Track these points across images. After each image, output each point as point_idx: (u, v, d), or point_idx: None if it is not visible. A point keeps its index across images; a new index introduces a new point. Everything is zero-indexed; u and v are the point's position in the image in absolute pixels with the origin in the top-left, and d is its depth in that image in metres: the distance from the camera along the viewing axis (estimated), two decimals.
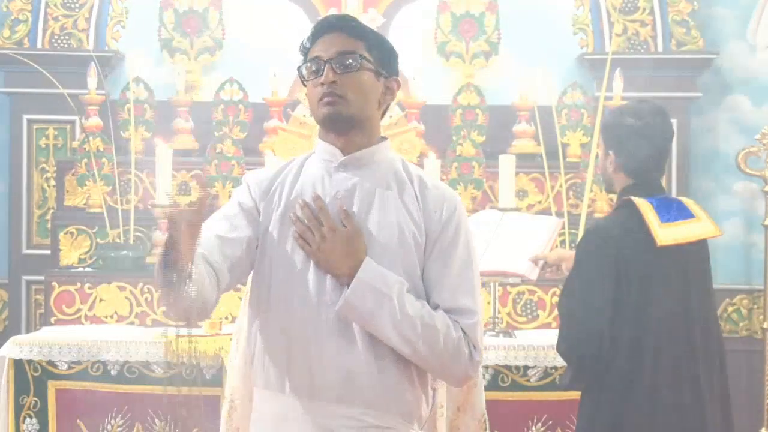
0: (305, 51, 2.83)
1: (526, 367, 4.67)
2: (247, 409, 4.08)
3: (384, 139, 2.88)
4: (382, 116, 2.89)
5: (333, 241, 2.71)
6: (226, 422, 4.16)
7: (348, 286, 2.69)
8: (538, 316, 5.39)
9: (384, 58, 2.82)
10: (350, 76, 2.74)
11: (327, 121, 2.78)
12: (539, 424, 4.71)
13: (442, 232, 2.77)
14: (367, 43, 2.78)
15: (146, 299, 5.35)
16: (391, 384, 2.75)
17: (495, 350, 4.66)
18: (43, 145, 6.08)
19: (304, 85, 2.84)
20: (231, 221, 2.78)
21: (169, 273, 2.55)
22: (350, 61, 2.75)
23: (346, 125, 2.77)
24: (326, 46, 2.76)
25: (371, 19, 6.06)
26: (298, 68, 2.83)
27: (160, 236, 5.48)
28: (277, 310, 2.77)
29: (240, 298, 5.03)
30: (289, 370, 2.76)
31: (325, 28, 2.81)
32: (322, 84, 2.74)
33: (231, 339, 4.04)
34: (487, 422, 4.33)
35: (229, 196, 5.61)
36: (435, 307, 2.75)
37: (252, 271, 2.85)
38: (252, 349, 2.86)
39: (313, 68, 2.77)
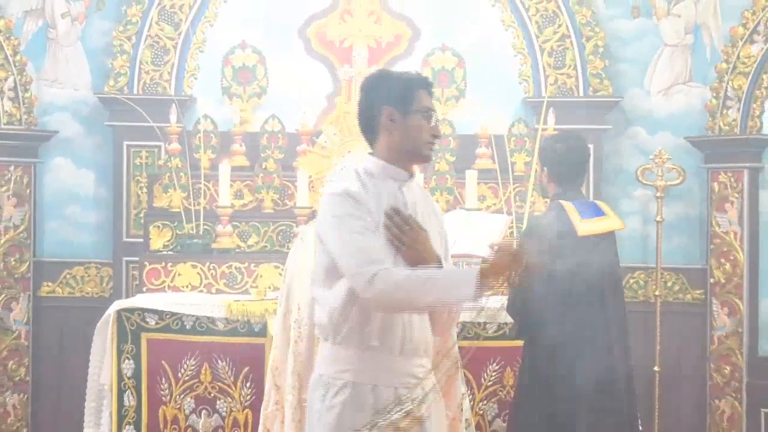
0: (408, 86, 2.78)
1: (485, 323, 4.68)
2: (284, 354, 4.08)
3: None
4: None
5: (418, 241, 2.74)
6: (271, 363, 4.17)
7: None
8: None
9: None
10: None
11: (424, 159, 2.83)
12: (494, 364, 4.72)
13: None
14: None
15: (212, 274, 5.36)
16: (431, 337, 2.92)
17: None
18: (138, 163, 6.08)
19: (400, 112, 2.77)
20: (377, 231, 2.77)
21: None
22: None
23: None
24: (431, 103, 2.79)
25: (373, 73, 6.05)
26: (409, 94, 2.77)
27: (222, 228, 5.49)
28: None
29: (280, 274, 5.04)
30: (388, 336, 2.78)
31: (428, 86, 2.82)
32: (434, 135, 2.77)
33: (276, 303, 4.04)
34: (459, 363, 4.34)
35: (272, 201, 5.66)
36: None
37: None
38: (345, 318, 2.78)
39: (427, 114, 2.77)
